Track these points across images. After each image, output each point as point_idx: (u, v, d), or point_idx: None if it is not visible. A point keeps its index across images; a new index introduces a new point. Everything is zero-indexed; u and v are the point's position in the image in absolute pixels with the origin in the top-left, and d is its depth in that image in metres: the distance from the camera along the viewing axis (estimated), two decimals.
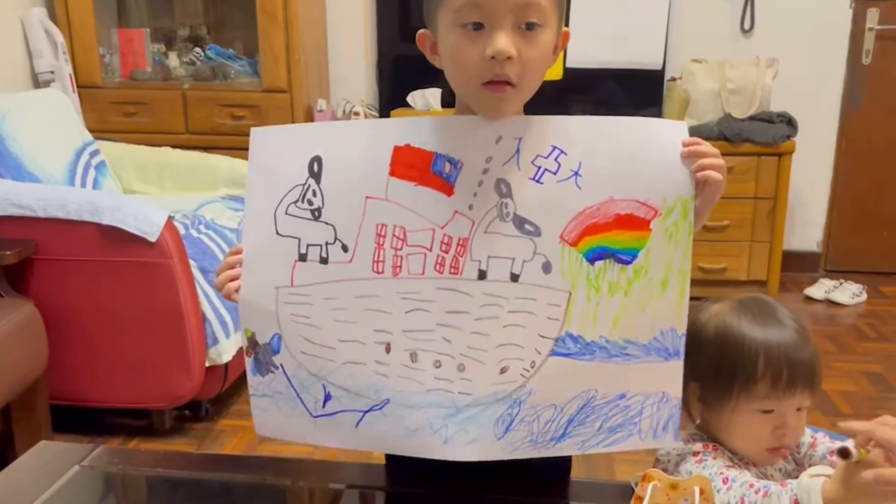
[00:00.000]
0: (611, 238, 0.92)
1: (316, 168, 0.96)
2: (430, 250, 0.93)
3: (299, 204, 0.96)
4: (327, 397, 0.98)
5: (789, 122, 3.27)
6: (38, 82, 3.25)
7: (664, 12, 3.42)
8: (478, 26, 0.89)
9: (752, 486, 0.93)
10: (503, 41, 0.87)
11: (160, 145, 3.18)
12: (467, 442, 0.94)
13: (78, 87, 3.31)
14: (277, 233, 0.97)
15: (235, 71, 3.50)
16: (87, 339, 2.24)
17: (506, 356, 0.93)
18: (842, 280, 3.54)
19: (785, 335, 1.00)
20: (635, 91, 3.48)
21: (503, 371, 0.93)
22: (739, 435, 1.00)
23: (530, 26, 0.89)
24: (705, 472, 0.97)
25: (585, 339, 0.93)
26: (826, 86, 3.61)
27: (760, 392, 0.97)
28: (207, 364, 2.27)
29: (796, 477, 1.06)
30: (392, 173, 0.94)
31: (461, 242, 0.92)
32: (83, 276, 2.20)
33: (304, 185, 0.96)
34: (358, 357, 0.96)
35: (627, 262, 0.92)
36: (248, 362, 1.02)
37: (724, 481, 0.95)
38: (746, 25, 3.56)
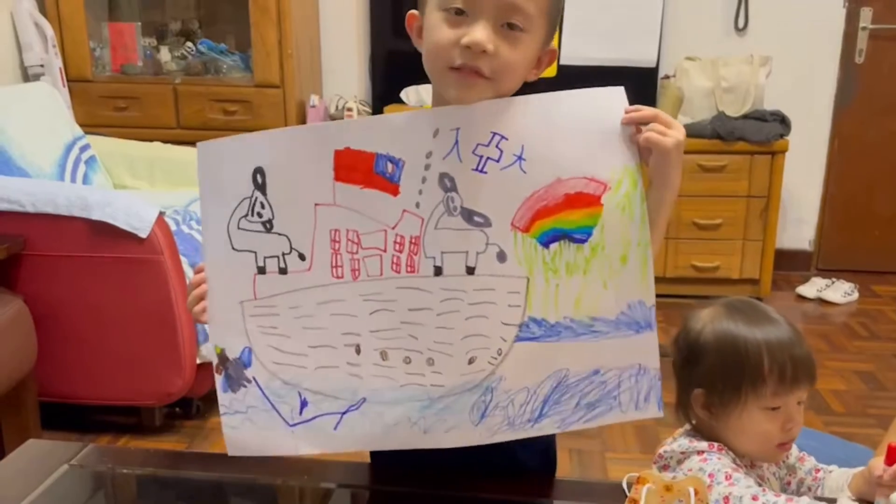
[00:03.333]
0: (562, 219, 0.91)
1: (260, 180, 0.94)
2: (385, 251, 0.93)
3: (249, 217, 0.95)
4: (303, 403, 0.98)
5: (782, 121, 3.28)
6: (27, 76, 3.23)
7: (658, 10, 3.42)
8: (460, 12, 0.88)
9: (764, 490, 0.94)
10: (481, 33, 0.87)
11: (151, 140, 3.17)
12: (445, 430, 0.95)
13: (68, 80, 3.29)
14: (233, 248, 0.96)
15: (227, 66, 3.48)
16: (77, 336, 2.23)
17: (472, 347, 0.93)
18: (834, 279, 3.55)
19: (782, 333, 1.02)
20: (629, 89, 3.41)
21: (471, 361, 0.93)
22: (750, 436, 1.02)
23: (511, 26, 0.89)
24: (709, 468, 0.98)
25: (549, 321, 0.92)
26: (819, 84, 3.62)
27: (769, 390, 1.00)
28: (198, 361, 2.26)
29: (788, 483, 1.08)
30: (337, 178, 0.93)
31: (413, 241, 0.92)
32: (73, 272, 2.18)
33: (251, 197, 0.95)
34: (330, 361, 0.96)
35: (583, 241, 0.91)
36: (219, 380, 1.00)
37: (727, 477, 0.97)
38: (740, 24, 3.56)
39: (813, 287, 3.51)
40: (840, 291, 3.46)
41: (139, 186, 3.03)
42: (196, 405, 2.43)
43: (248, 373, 0.98)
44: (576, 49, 3.34)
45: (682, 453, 1.03)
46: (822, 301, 3.47)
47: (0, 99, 2.63)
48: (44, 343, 2.13)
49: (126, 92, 3.36)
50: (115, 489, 1.18)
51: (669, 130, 0.90)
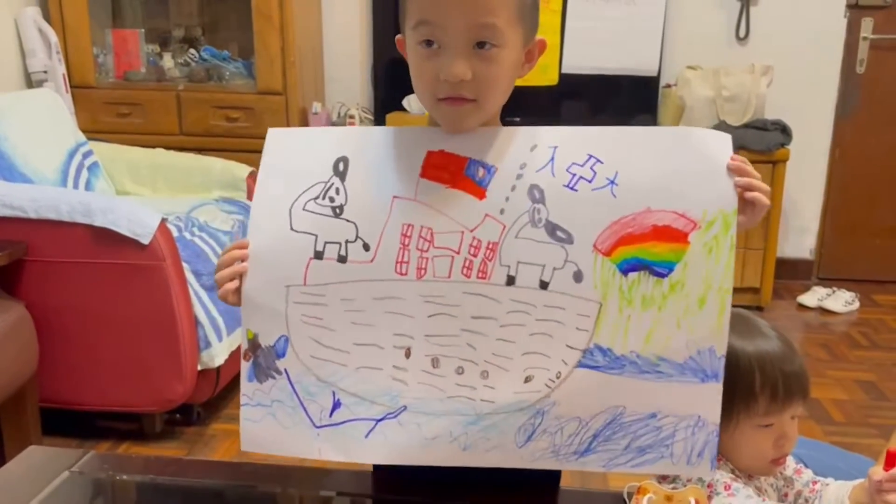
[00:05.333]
0: (646, 249, 0.89)
1: (342, 167, 0.94)
2: (458, 253, 0.91)
3: (320, 200, 0.93)
4: (336, 405, 0.94)
5: (784, 130, 3.28)
6: (31, 82, 3.24)
7: (660, 19, 3.43)
8: (431, 43, 0.89)
9: (764, 499, 0.94)
10: (455, 66, 0.88)
11: (154, 146, 3.17)
12: (487, 449, 0.92)
13: (71, 87, 3.30)
14: (292, 228, 0.93)
15: (230, 72, 3.49)
16: (79, 342, 2.23)
17: (531, 365, 0.91)
18: (834, 288, 3.55)
19: (773, 348, 1.02)
20: (630, 97, 3.48)
21: (528, 380, 0.91)
22: (744, 452, 1.02)
23: (482, 45, 0.88)
24: (708, 478, 0.98)
25: (615, 352, 0.90)
26: (820, 94, 3.62)
27: (761, 408, 1.00)
28: (199, 368, 2.26)
29: (786, 495, 1.08)
30: (423, 174, 0.92)
31: (490, 247, 0.91)
32: (75, 278, 2.19)
33: (326, 182, 0.94)
34: (374, 362, 0.93)
35: (663, 276, 0.89)
36: (245, 367, 0.96)
37: (727, 487, 0.97)
38: (742, 33, 3.57)
39: (814, 296, 3.51)
40: (841, 300, 3.46)
41: (141, 193, 3.04)
42: (197, 412, 2.43)
43: (280, 364, 0.94)
44: (577, 57, 3.35)
45: None
46: (822, 310, 3.46)
47: (3, 105, 2.64)
48: (45, 349, 2.13)
49: (129, 98, 3.37)
50: (115, 496, 1.18)
51: (767, 187, 0.92)
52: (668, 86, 3.52)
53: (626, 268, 0.89)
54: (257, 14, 3.23)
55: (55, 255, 2.18)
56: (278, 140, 0.98)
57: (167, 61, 3.53)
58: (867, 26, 3.57)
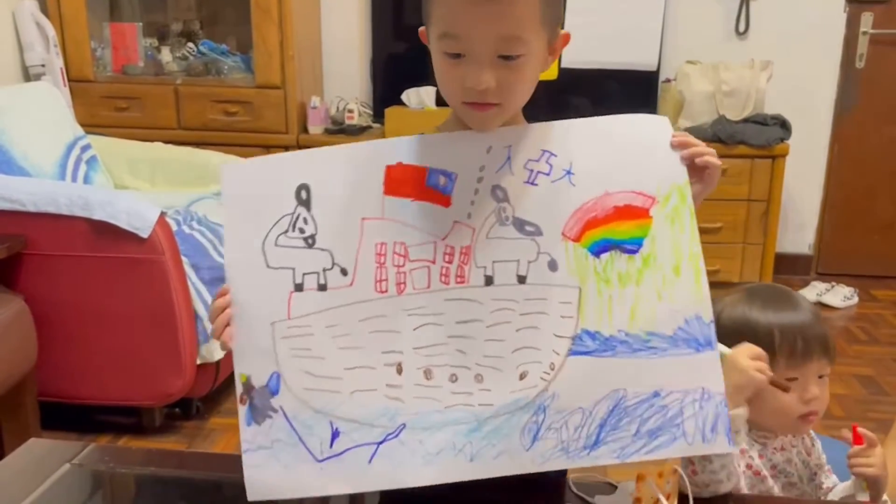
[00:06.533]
0: (612, 229, 0.92)
1: (304, 196, 0.94)
2: (434, 263, 0.92)
3: (290, 233, 0.94)
4: (335, 434, 0.93)
5: (783, 125, 3.28)
6: (28, 76, 3.23)
7: (659, 14, 3.43)
8: (457, 55, 0.90)
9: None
10: (480, 77, 0.89)
11: (152, 140, 3.17)
12: (495, 456, 0.91)
13: (69, 80, 3.29)
14: (268, 266, 0.94)
15: (228, 66, 3.48)
16: (77, 336, 2.22)
17: (523, 360, 0.91)
18: (833, 283, 3.55)
19: (797, 316, 1.06)
20: (630, 92, 3.47)
21: (522, 376, 0.91)
22: (769, 410, 1.05)
23: (507, 57, 0.89)
24: (728, 451, 1.00)
25: (603, 334, 0.91)
26: (820, 89, 3.62)
27: (781, 364, 1.04)
28: (198, 362, 2.26)
29: (818, 463, 1.12)
30: (386, 192, 0.93)
31: (464, 251, 0.92)
32: (74, 271, 2.18)
33: (292, 213, 0.94)
34: (367, 383, 0.92)
35: (634, 252, 0.92)
36: (242, 411, 0.95)
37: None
38: (741, 28, 3.57)
39: (813, 291, 3.51)
40: (840, 295, 3.47)
41: (140, 187, 3.03)
42: (196, 406, 2.43)
43: (275, 401, 0.94)
44: (577, 52, 3.34)
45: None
46: (821, 305, 3.46)
47: (1, 99, 2.63)
48: (44, 343, 2.13)
49: (127, 92, 3.37)
50: (116, 489, 1.18)
51: (712, 150, 0.97)
52: (668, 80, 3.51)
53: (597, 250, 0.92)
54: (256, 8, 3.22)
55: (54, 249, 2.17)
56: (234, 175, 0.97)
57: (165, 55, 3.53)
58: (867, 21, 3.56)
